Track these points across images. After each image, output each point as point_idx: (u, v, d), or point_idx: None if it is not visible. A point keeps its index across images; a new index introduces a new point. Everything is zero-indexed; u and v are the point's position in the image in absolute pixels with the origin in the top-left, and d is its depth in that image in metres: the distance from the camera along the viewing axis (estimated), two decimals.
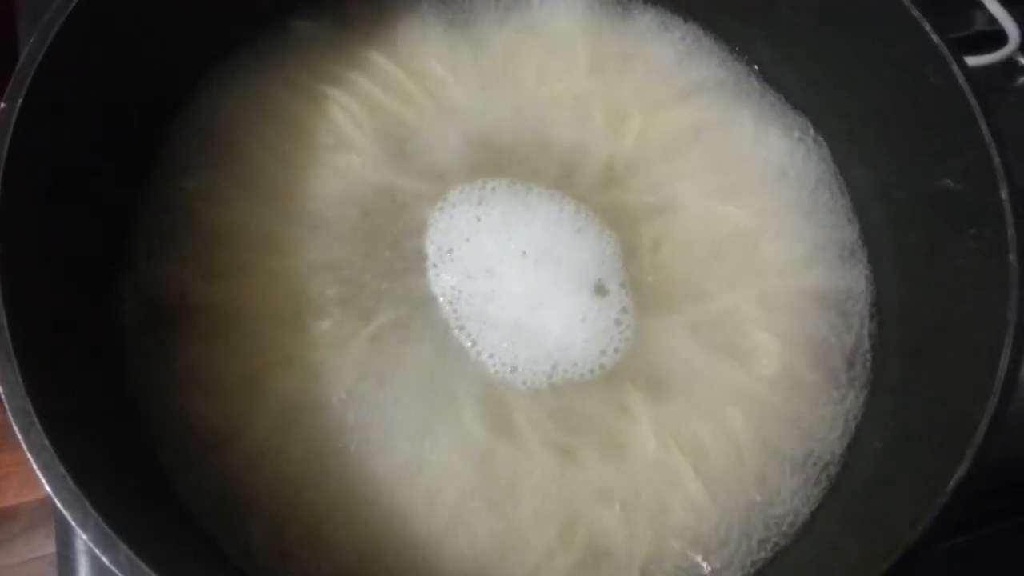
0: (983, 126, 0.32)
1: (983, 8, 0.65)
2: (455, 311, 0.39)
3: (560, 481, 0.36)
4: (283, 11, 0.44)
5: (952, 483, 0.27)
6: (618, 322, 0.39)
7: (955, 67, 0.33)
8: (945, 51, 0.33)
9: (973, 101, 0.32)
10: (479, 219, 0.41)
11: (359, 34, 0.45)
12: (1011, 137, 0.63)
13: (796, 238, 0.41)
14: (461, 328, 0.39)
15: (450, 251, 0.40)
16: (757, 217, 0.41)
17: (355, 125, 0.42)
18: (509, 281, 0.40)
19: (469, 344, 0.39)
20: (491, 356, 0.38)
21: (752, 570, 0.34)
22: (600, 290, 0.40)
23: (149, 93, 0.39)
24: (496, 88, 0.44)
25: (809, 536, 0.34)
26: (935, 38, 0.34)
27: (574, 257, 0.41)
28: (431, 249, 0.40)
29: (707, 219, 0.42)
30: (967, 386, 0.30)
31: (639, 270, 0.41)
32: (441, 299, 0.39)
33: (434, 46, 0.45)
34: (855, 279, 0.40)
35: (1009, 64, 0.65)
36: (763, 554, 0.34)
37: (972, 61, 0.62)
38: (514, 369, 0.38)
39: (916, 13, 0.34)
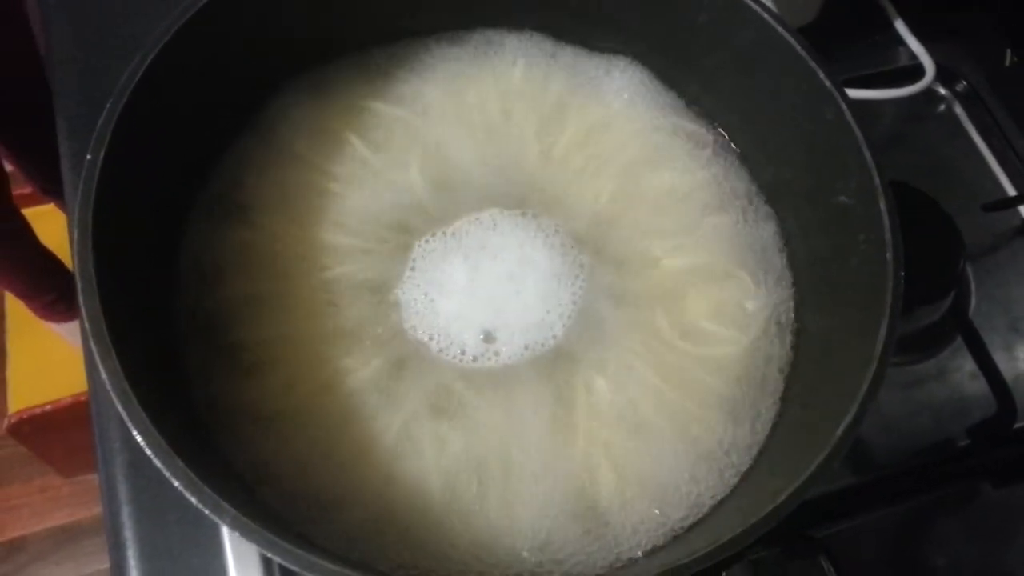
0: (866, 153, 0.40)
1: (905, 45, 0.74)
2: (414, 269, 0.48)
3: None
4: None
5: (840, 431, 0.35)
6: (475, 359, 0.46)
7: (843, 105, 0.41)
8: (835, 93, 0.42)
9: (858, 133, 0.41)
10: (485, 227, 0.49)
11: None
12: (932, 158, 0.72)
13: (734, 256, 0.49)
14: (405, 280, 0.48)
15: (448, 233, 0.50)
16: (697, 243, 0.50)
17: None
18: (463, 273, 0.48)
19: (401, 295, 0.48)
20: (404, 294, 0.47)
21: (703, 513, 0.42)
22: (489, 337, 0.47)
23: (200, 141, 0.48)
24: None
25: (747, 481, 0.42)
26: (827, 83, 0.42)
27: (522, 298, 0.48)
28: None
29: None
30: (858, 357, 0.38)
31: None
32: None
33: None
34: (779, 280, 0.49)
35: (929, 94, 0.73)
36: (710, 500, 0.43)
37: (896, 92, 0.71)
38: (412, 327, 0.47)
39: (812, 64, 0.42)
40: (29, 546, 1.51)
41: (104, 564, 1.46)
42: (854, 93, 0.70)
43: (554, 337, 0.47)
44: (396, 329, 0.47)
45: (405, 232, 0.50)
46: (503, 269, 0.48)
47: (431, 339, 0.47)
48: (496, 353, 0.46)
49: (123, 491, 0.54)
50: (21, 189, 1.33)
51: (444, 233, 0.50)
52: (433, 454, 0.44)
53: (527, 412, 0.45)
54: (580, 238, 0.50)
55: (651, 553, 0.41)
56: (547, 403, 0.45)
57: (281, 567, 0.51)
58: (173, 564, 0.53)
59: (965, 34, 0.76)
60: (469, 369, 0.46)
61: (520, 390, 0.45)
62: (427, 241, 0.50)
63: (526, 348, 0.47)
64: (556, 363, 0.47)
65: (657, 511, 0.43)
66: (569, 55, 0.56)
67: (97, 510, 1.49)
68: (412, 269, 0.49)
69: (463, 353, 0.46)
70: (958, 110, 0.74)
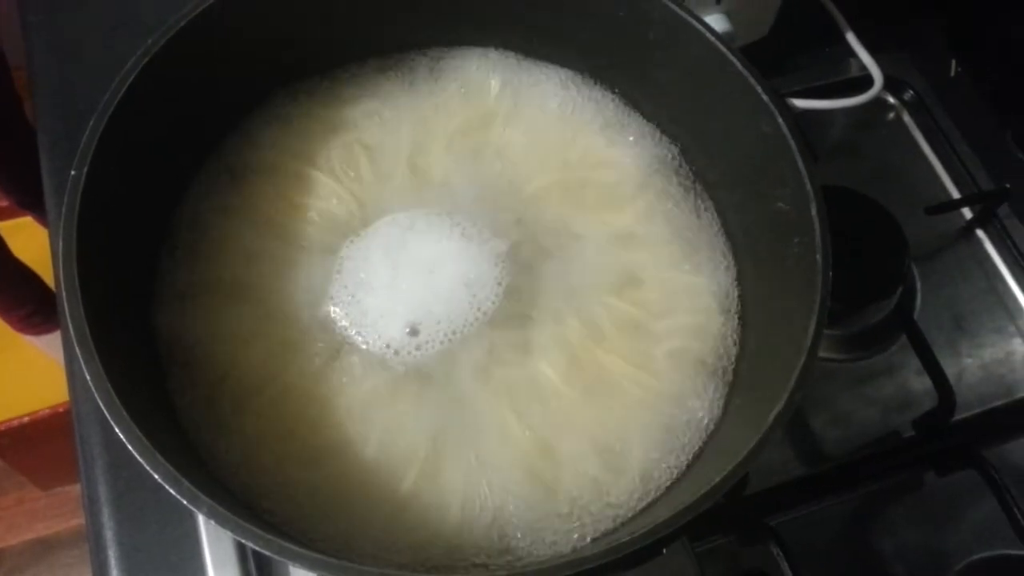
0: (799, 162, 0.43)
1: (856, 56, 0.77)
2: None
3: None
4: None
5: (772, 417, 0.37)
6: (396, 352, 0.48)
7: (779, 119, 0.44)
8: (772, 107, 0.45)
9: (792, 143, 0.44)
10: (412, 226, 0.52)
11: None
12: (880, 164, 0.75)
13: (680, 254, 0.52)
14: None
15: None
16: (647, 238, 0.53)
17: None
18: (382, 266, 0.50)
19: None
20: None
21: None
22: (414, 331, 0.49)
23: (181, 155, 0.51)
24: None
25: (693, 469, 0.46)
26: (764, 97, 0.45)
27: (443, 294, 0.49)
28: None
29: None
30: (791, 348, 0.41)
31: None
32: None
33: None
34: (725, 279, 0.52)
35: (878, 102, 0.77)
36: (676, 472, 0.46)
37: (847, 102, 0.74)
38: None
39: (751, 80, 0.45)
40: (6, 559, 1.51)
41: None
42: (806, 103, 0.73)
43: (477, 320, 0.49)
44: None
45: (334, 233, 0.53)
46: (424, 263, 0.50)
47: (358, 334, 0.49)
48: (417, 347, 0.48)
49: (103, 493, 0.56)
50: None
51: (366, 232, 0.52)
52: (383, 443, 0.47)
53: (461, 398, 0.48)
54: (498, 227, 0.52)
55: (602, 536, 0.43)
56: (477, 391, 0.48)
57: (256, 562, 0.53)
58: (153, 563, 0.55)
59: (913, 46, 0.79)
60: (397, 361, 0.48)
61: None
62: (351, 242, 0.52)
63: (454, 333, 0.49)
64: (481, 349, 0.49)
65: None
66: (530, 70, 0.59)
67: (75, 522, 1.50)
68: (339, 272, 0.51)
69: (388, 347, 0.48)
70: (906, 118, 0.78)
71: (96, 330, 0.38)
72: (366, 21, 0.55)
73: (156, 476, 0.35)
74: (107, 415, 0.36)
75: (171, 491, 0.34)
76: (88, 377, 0.36)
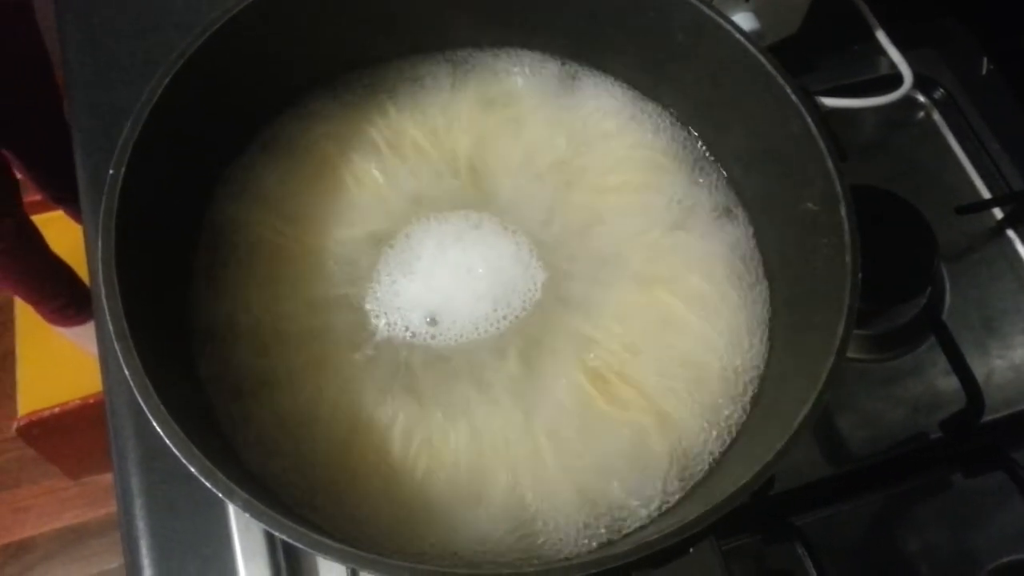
0: (829, 163, 0.43)
1: (885, 54, 0.77)
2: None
3: None
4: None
5: (800, 417, 0.38)
6: (415, 335, 0.50)
7: (808, 120, 0.44)
8: (801, 108, 0.45)
9: (822, 144, 0.44)
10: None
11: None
12: (910, 163, 0.75)
13: (710, 252, 0.52)
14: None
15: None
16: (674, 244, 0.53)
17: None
18: (427, 261, 0.52)
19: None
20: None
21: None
22: (432, 321, 0.50)
23: (215, 152, 0.51)
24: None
25: (720, 469, 0.46)
26: (794, 98, 0.45)
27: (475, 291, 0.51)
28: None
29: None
30: (819, 348, 0.41)
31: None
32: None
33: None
34: (753, 278, 0.52)
35: (908, 101, 0.76)
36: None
37: (877, 101, 0.74)
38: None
39: (780, 80, 0.45)
40: (38, 547, 1.54)
41: (111, 564, 1.49)
42: (835, 102, 0.73)
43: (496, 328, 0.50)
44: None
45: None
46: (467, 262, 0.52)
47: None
48: (433, 336, 0.50)
49: (136, 485, 0.57)
50: (31, 196, 1.36)
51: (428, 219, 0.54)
52: (408, 437, 0.47)
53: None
54: (547, 249, 0.53)
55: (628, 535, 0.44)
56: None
57: (285, 554, 0.54)
58: (184, 554, 0.56)
59: (943, 44, 0.79)
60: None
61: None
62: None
63: (461, 336, 0.50)
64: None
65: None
66: (558, 71, 0.59)
67: (103, 511, 1.52)
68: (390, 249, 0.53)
69: (407, 330, 0.50)
70: (936, 117, 0.77)
71: (134, 326, 0.39)
72: (406, 20, 0.56)
73: (192, 469, 0.35)
74: (145, 409, 0.36)
75: (206, 484, 0.35)
76: (127, 372, 0.37)
